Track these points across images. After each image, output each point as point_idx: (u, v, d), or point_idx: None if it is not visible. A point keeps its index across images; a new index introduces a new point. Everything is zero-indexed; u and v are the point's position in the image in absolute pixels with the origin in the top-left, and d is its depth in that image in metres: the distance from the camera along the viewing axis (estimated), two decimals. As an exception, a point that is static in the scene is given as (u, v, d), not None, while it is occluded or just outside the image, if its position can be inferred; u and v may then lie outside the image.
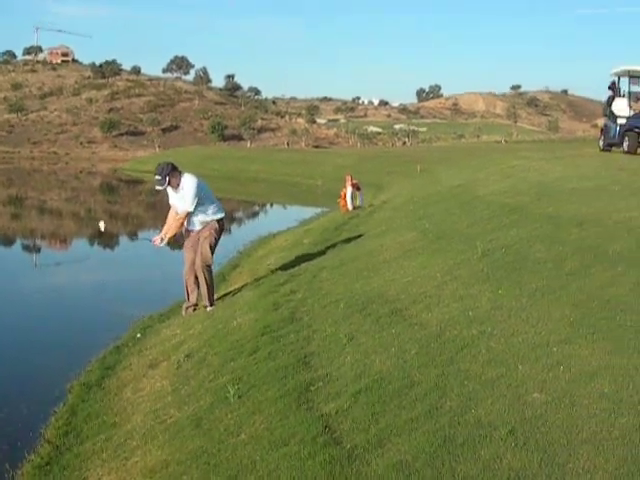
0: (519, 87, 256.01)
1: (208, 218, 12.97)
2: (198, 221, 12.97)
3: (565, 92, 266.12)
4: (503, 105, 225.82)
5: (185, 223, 13.05)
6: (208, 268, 13.02)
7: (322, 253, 16.68)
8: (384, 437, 5.86)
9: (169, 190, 12.93)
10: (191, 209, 12.73)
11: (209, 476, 6.18)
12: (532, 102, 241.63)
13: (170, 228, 12.97)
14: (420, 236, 15.45)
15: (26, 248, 28.57)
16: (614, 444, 5.15)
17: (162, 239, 12.94)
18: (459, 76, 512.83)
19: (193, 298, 13.21)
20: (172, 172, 12.65)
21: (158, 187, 12.82)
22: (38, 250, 27.89)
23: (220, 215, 13.19)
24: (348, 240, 18.13)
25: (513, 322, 8.06)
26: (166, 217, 13.36)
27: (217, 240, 13.14)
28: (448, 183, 27.90)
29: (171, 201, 13.17)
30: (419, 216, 19.21)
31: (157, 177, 12.65)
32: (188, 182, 12.81)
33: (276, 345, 9.14)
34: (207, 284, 13.01)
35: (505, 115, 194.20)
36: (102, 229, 13.89)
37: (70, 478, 7.50)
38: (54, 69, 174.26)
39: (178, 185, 12.73)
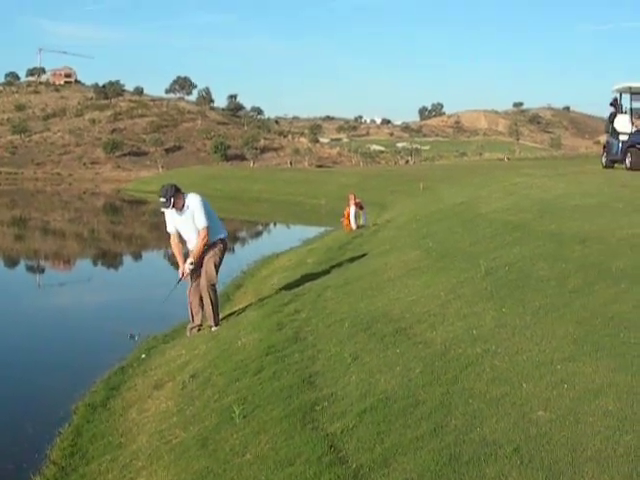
0: (521, 104, 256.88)
1: (211, 239, 12.98)
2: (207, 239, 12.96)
3: (567, 109, 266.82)
4: (505, 122, 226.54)
5: (188, 245, 13.08)
6: (213, 287, 13.03)
7: (326, 272, 16.71)
8: (390, 456, 5.87)
9: (171, 214, 12.94)
10: (207, 222, 12.74)
11: (215, 496, 6.19)
12: (534, 119, 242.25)
13: (196, 250, 12.84)
14: (424, 255, 15.47)
15: (30, 269, 28.66)
16: (619, 462, 5.14)
17: (191, 263, 12.89)
18: (461, 94, 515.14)
19: (197, 319, 13.22)
20: (176, 193, 12.67)
21: (163, 209, 12.85)
22: (42, 271, 27.96)
23: (223, 235, 13.24)
24: (352, 259, 18.16)
25: (517, 340, 8.05)
26: (166, 238, 13.41)
27: (221, 259, 13.16)
28: (451, 201, 27.93)
29: (171, 228, 13.17)
30: (422, 235, 19.24)
31: (162, 199, 12.66)
32: (193, 200, 12.86)
33: (281, 365, 9.16)
34: (212, 304, 13.01)
35: (507, 132, 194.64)
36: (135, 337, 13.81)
37: (76, 499, 7.52)
38: (57, 90, 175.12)
39: (183, 206, 12.76)
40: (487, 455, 5.52)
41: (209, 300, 12.96)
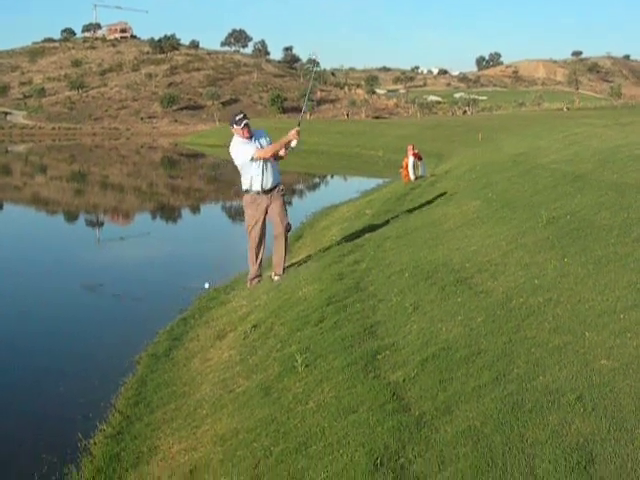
0: (580, 53, 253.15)
1: (279, 178, 12.97)
2: (273, 179, 12.80)
3: (627, 57, 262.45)
4: (564, 72, 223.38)
5: (254, 183, 12.72)
6: (287, 234, 13.10)
7: (385, 223, 16.67)
8: (452, 404, 5.89)
9: (237, 145, 12.62)
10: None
11: (279, 443, 6.26)
12: (593, 68, 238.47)
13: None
14: (484, 205, 15.38)
15: (90, 223, 28.93)
16: (684, 409, 5.13)
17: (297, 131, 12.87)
18: (519, 43, 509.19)
19: (256, 269, 13.22)
20: (248, 119, 12.54)
21: (239, 125, 12.42)
22: (101, 225, 28.23)
23: (280, 180, 13.15)
24: (411, 210, 18.10)
25: (579, 289, 8.00)
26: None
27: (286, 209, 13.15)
28: (510, 151, 27.70)
29: (247, 153, 12.56)
30: (482, 185, 19.12)
31: (238, 117, 12.42)
32: (264, 132, 12.92)
33: (342, 315, 9.19)
34: (286, 250, 13.16)
35: (566, 82, 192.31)
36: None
37: (141, 447, 7.62)
38: (113, 45, 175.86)
39: (251, 136, 12.60)
40: (550, 403, 5.52)
41: (284, 247, 12.98)
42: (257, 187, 12.69)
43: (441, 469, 5.05)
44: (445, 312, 8.28)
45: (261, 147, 12.59)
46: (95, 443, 8.09)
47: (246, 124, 12.44)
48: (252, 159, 12.48)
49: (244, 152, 12.56)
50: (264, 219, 12.85)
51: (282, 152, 12.86)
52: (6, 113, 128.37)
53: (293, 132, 12.74)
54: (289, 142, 12.75)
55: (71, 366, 11.14)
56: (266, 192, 12.70)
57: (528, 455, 4.94)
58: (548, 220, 11.59)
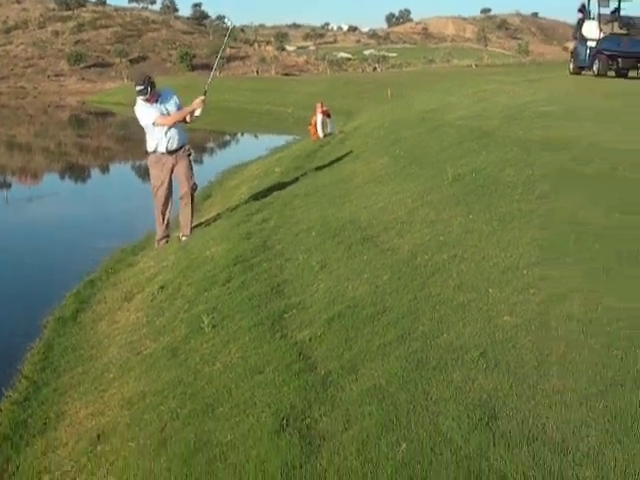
0: (489, 10, 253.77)
1: (185, 138, 12.83)
2: (179, 138, 12.65)
3: (535, 15, 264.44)
4: (473, 29, 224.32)
5: (159, 144, 12.58)
6: (193, 193, 13.01)
7: (294, 181, 16.64)
8: (358, 362, 5.91)
9: (141, 107, 12.44)
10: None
11: (186, 405, 6.22)
12: (502, 25, 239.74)
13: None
14: (392, 162, 15.43)
15: (-4, 184, 28.37)
16: (583, 365, 5.19)
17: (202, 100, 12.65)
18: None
19: (164, 230, 13.12)
20: (153, 84, 12.26)
21: (141, 97, 12.28)
22: (9, 186, 27.68)
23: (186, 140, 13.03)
24: (320, 168, 18.09)
25: (484, 246, 8.09)
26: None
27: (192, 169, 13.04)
28: (419, 108, 27.77)
29: (149, 116, 12.39)
30: (390, 142, 19.16)
31: (138, 87, 12.08)
32: (172, 93, 12.77)
33: (249, 274, 9.17)
34: (192, 211, 13.06)
35: (475, 39, 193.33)
36: None
37: (48, 412, 7.51)
38: (18, 2, 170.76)
39: (157, 99, 12.45)
40: (454, 360, 5.57)
41: (190, 207, 12.92)
42: (162, 149, 12.57)
43: (347, 428, 5.07)
44: (351, 270, 8.31)
45: (166, 112, 12.44)
46: (1, 410, 7.95)
47: (146, 99, 12.28)
48: (154, 123, 12.34)
49: (147, 115, 12.40)
50: (170, 179, 12.74)
51: (187, 118, 12.72)
52: None
53: (198, 101, 12.59)
54: (193, 111, 12.61)
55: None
56: (171, 152, 12.59)
57: (432, 412, 4.98)
58: (454, 177, 11.68)
